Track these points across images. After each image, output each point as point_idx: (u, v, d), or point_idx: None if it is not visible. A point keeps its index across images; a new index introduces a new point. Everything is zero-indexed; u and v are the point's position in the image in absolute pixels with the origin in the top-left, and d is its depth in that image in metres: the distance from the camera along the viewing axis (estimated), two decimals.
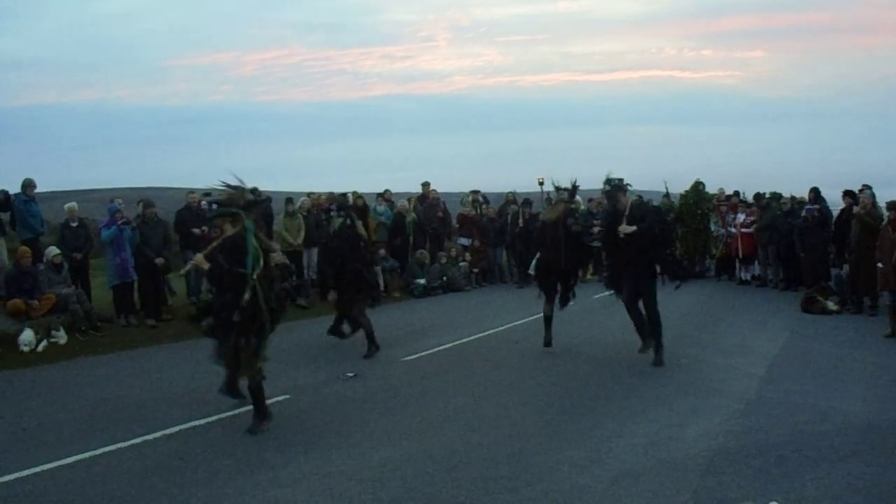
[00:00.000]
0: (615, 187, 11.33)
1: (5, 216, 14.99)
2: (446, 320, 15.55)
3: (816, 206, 18.21)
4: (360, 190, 20.89)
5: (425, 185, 22.65)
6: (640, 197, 13.38)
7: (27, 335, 12.93)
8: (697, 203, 22.60)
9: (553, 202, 12.71)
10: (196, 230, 16.05)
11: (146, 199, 16.53)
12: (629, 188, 11.66)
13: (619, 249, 11.41)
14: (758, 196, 21.27)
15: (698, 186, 22.92)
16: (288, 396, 9.69)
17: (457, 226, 23.21)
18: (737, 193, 22.60)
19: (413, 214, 21.07)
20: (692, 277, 10.99)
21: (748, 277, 21.37)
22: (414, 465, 7.17)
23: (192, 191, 17.70)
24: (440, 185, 23.42)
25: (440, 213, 22.11)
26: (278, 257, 9.05)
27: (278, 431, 8.27)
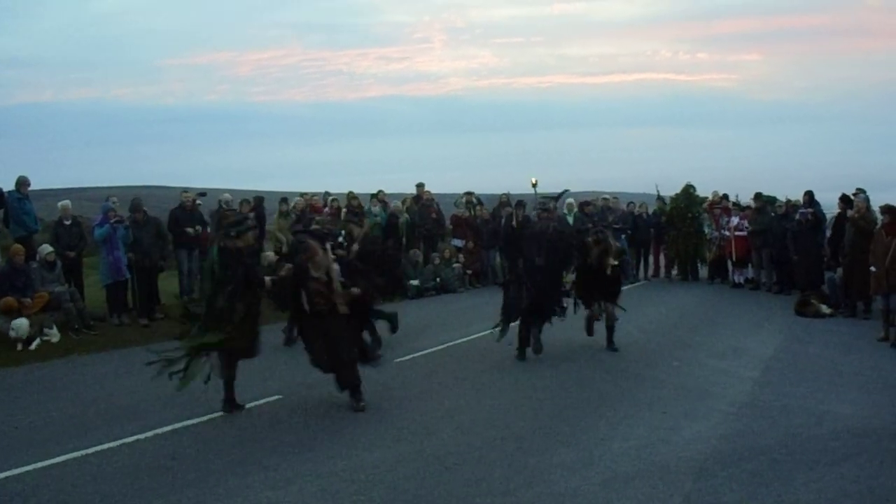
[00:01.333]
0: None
1: None
2: (439, 322, 15.53)
3: (810, 210, 18.23)
4: (355, 190, 20.91)
5: (420, 185, 22.62)
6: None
7: (20, 322, 12.90)
8: (688, 206, 22.60)
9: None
10: (189, 230, 16.07)
11: (135, 200, 16.45)
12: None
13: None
14: (758, 196, 21.15)
15: (689, 189, 22.92)
16: (280, 397, 9.68)
17: (450, 227, 23.16)
18: (726, 197, 22.57)
19: (407, 215, 21.05)
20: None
21: (741, 281, 21.37)
22: (407, 466, 7.17)
23: (186, 190, 17.66)
24: (434, 187, 23.39)
25: (434, 215, 22.08)
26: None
27: (271, 432, 8.27)
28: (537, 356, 11.79)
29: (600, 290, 12.50)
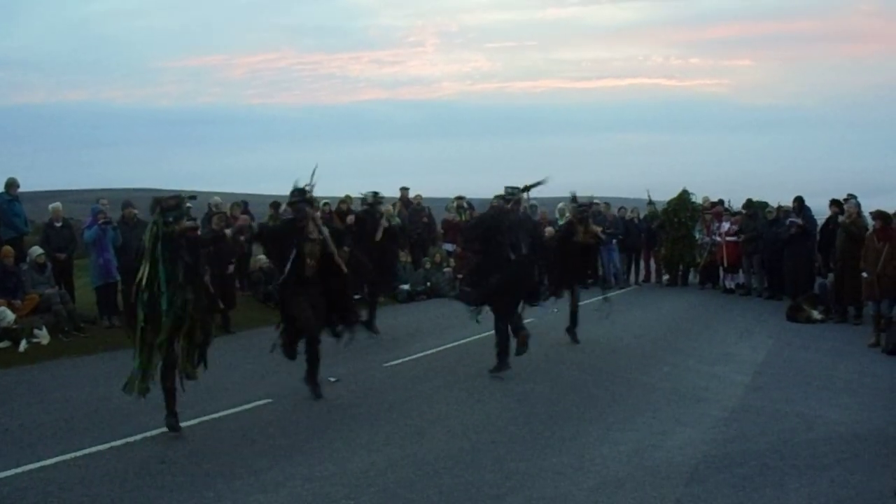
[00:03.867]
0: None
1: None
2: (430, 326, 15.52)
3: (798, 221, 18.13)
4: (345, 194, 20.83)
5: (404, 189, 22.56)
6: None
7: (3, 310, 12.89)
8: (676, 211, 22.60)
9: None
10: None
11: (126, 199, 16.46)
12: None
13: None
14: (749, 203, 21.18)
15: (684, 195, 22.92)
16: (270, 400, 9.65)
17: (441, 231, 23.14)
18: (721, 202, 22.60)
19: (398, 219, 21.01)
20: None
21: (732, 286, 21.39)
22: (397, 470, 7.15)
23: (178, 193, 17.58)
24: (426, 191, 23.33)
25: (425, 219, 22.06)
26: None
27: (261, 435, 8.23)
28: (521, 354, 11.03)
29: (575, 271, 13.15)
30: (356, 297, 11.61)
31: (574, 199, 13.92)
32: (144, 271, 8.27)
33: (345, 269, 9.74)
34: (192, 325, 8.42)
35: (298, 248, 9.50)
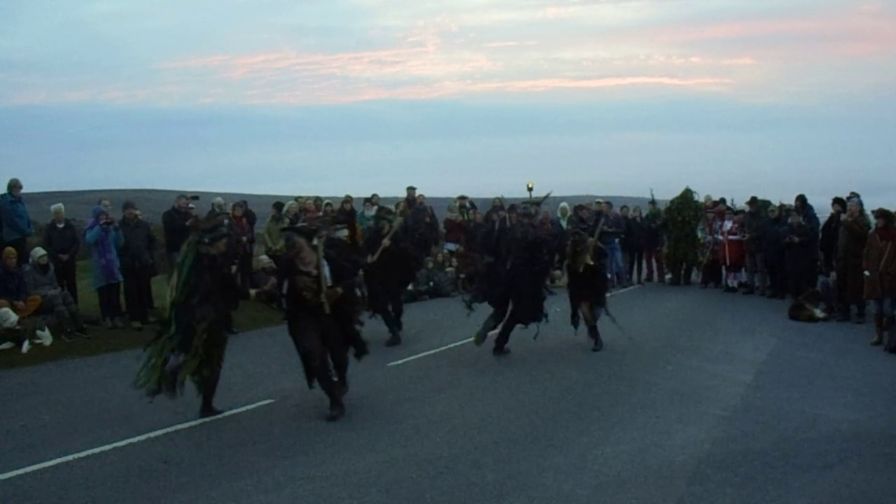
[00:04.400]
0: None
1: None
2: (433, 326, 15.52)
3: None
4: (346, 194, 20.86)
5: (411, 189, 22.56)
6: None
7: (6, 311, 12.91)
8: (679, 210, 22.58)
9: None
10: (189, 222, 16.05)
11: (128, 200, 16.49)
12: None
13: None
14: (753, 200, 21.07)
15: (687, 194, 22.90)
16: (273, 401, 9.66)
17: (444, 231, 23.12)
18: (723, 200, 22.55)
19: (401, 219, 20.97)
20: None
21: (735, 285, 21.36)
22: (399, 470, 7.15)
23: (182, 195, 17.62)
24: (428, 191, 23.32)
25: (427, 219, 22.02)
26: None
27: (263, 436, 8.24)
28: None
29: (583, 291, 12.98)
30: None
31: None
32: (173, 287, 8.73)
33: (327, 310, 9.12)
34: (208, 341, 8.77)
35: (290, 281, 9.13)
